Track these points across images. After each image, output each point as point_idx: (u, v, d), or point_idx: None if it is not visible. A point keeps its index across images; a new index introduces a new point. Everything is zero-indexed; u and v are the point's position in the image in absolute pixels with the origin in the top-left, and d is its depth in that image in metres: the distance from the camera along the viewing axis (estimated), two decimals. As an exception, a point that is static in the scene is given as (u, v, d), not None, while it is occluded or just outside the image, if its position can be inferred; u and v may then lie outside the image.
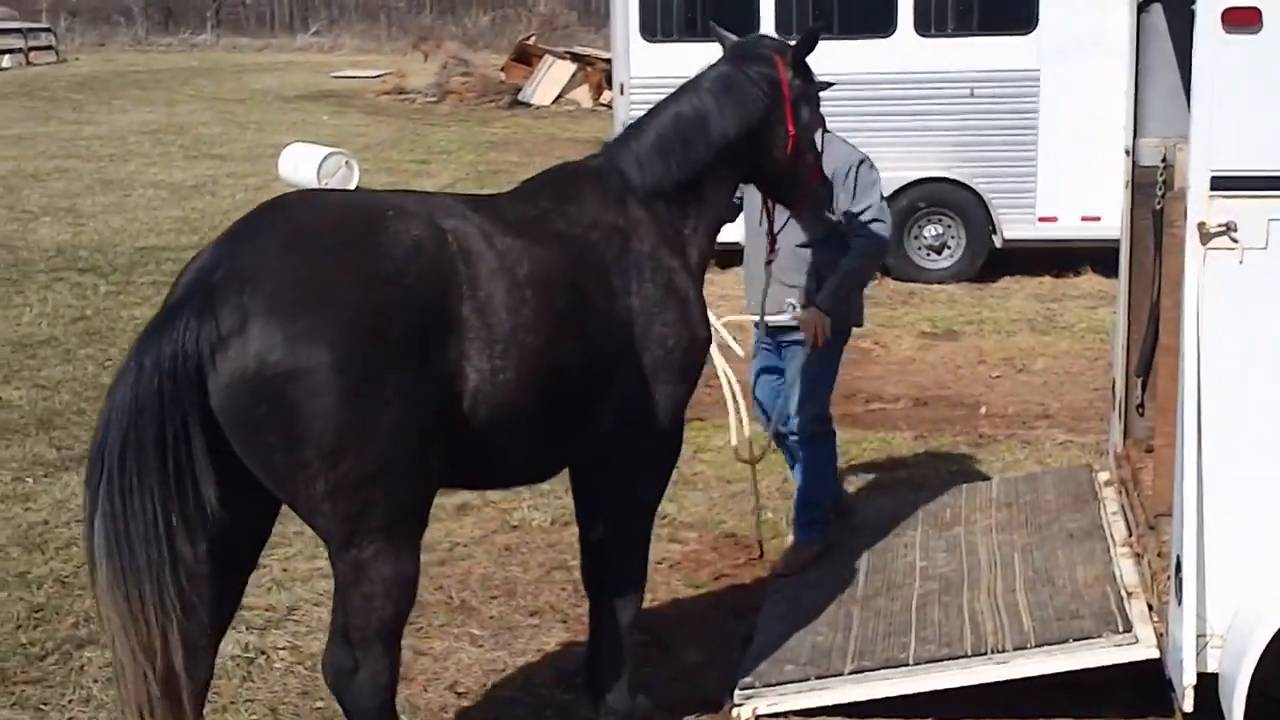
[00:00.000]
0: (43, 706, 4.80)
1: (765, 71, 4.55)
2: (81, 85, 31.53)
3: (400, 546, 3.65)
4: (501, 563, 6.17)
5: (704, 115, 4.44)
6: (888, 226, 5.80)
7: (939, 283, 12.18)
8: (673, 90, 4.60)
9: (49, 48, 42.30)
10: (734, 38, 4.84)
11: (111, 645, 3.44)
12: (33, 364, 9.26)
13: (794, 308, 5.77)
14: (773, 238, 5.24)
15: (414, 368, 3.53)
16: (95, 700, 4.83)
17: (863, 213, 5.71)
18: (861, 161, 5.75)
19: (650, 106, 4.63)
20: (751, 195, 5.59)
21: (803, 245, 5.76)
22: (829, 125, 5.21)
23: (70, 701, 4.84)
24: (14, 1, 48.40)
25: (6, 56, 39.59)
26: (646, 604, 5.70)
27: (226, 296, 3.37)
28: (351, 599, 3.67)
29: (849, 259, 5.72)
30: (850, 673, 4.75)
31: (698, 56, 13.91)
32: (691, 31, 12.26)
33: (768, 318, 5.80)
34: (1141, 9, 5.70)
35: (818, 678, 4.77)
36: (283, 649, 5.25)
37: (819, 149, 4.98)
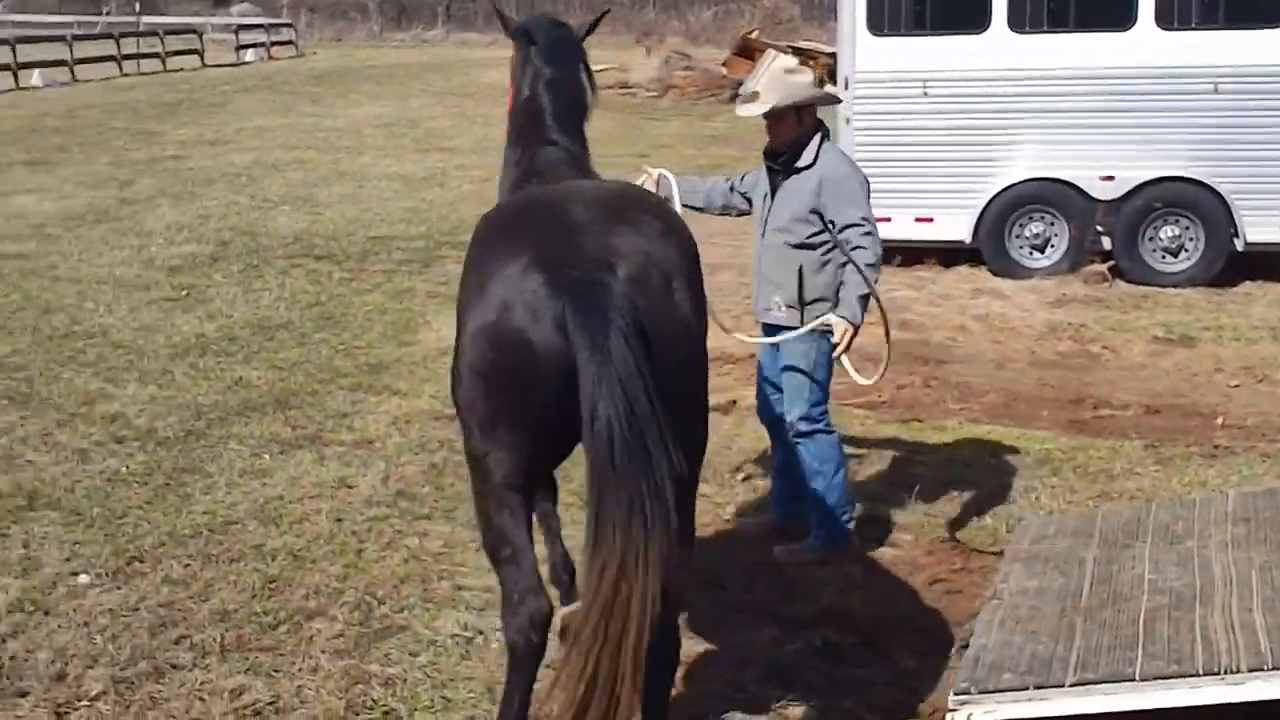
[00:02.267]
0: (274, 673, 4.98)
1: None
2: (319, 79, 32.79)
3: None
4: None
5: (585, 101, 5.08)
6: (878, 239, 5.82)
7: (1174, 286, 11.73)
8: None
9: (289, 43, 44.19)
10: (515, 19, 5.14)
11: (640, 621, 3.44)
12: (270, 346, 9.68)
13: (780, 306, 5.93)
14: None
15: None
16: (323, 670, 4.99)
17: (861, 223, 5.75)
18: (852, 174, 5.86)
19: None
20: (757, 198, 6.07)
21: (790, 245, 5.87)
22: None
23: (300, 670, 5.00)
24: (258, -1, 50.64)
25: (250, 51, 41.49)
26: (860, 606, 5.65)
27: (642, 271, 3.72)
28: (682, 547, 3.82)
29: (864, 272, 5.71)
30: (1072, 684, 4.60)
31: (927, 51, 13.73)
32: (920, 25, 12.07)
33: (762, 318, 6.09)
34: None
35: (1037, 687, 4.64)
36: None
37: None
